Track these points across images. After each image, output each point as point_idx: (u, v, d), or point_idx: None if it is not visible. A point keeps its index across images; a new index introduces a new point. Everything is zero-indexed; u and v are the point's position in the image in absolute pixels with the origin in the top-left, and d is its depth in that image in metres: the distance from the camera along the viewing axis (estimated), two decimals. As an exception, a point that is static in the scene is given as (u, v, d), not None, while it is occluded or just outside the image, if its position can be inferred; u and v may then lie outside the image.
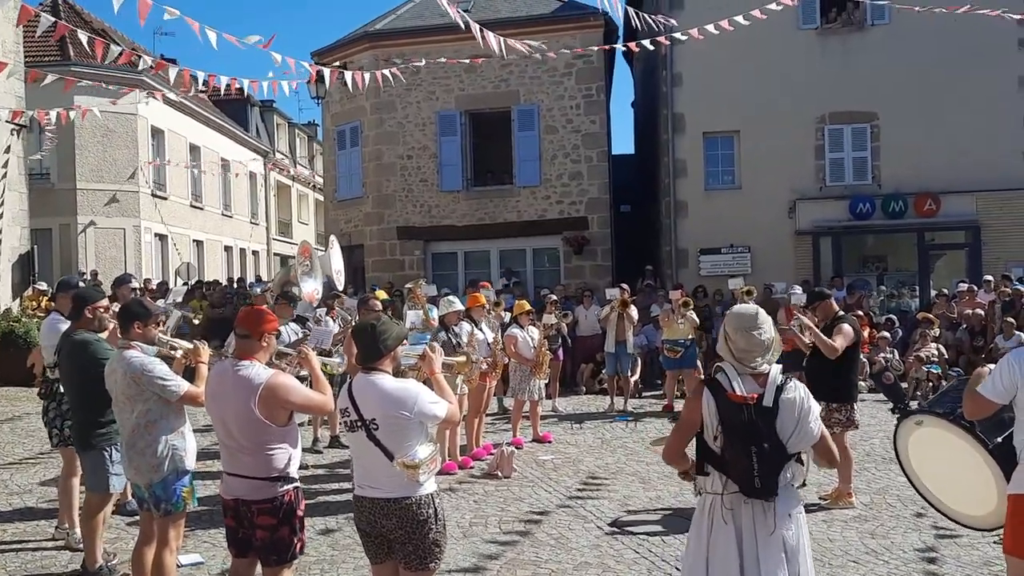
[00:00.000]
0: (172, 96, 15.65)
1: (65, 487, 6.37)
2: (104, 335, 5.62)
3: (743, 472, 3.41)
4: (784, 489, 3.48)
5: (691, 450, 3.78)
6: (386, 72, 9.30)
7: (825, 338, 7.17)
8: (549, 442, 10.10)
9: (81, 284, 6.82)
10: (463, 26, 7.91)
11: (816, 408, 3.57)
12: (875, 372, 6.50)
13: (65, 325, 5.97)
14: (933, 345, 13.53)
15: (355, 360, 4.19)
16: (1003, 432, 3.95)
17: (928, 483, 4.42)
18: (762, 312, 3.63)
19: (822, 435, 3.57)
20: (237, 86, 7.86)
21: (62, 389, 6.10)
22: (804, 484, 3.71)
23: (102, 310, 5.67)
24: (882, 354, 13.70)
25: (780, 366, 3.62)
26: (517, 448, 9.38)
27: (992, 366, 4.04)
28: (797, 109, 17.81)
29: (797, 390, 3.52)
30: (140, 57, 8.25)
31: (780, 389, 3.48)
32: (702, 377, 3.76)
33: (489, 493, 7.89)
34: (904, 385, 12.79)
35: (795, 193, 18.08)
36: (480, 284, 12.57)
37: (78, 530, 6.18)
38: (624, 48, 11.89)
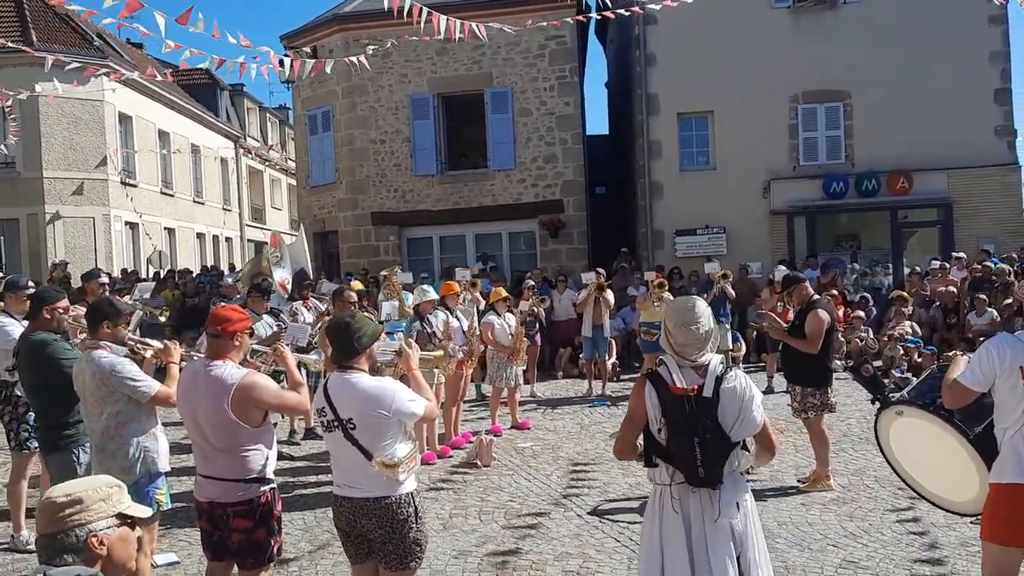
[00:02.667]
0: (138, 79, 15.35)
1: (13, 491, 6.29)
2: (76, 339, 5.51)
3: (687, 463, 3.46)
4: (729, 477, 3.51)
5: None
6: (352, 59, 9.11)
7: (799, 341, 7.19)
8: (528, 429, 10.08)
9: (31, 283, 6.65)
10: (406, 10, 7.53)
11: (759, 396, 3.59)
12: (854, 365, 6.38)
13: (13, 327, 5.87)
14: (907, 323, 13.64)
15: (330, 358, 4.12)
16: (983, 420, 3.96)
17: (911, 470, 4.43)
18: (700, 305, 3.65)
19: (764, 424, 3.59)
20: (205, 65, 7.68)
21: (19, 392, 6.01)
22: (750, 471, 3.71)
23: (61, 310, 5.54)
24: (857, 333, 13.80)
25: (720, 356, 3.65)
26: (496, 436, 9.35)
27: (970, 355, 4.05)
28: (771, 88, 17.80)
29: (738, 379, 3.55)
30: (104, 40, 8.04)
31: (720, 380, 3.51)
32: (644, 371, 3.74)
33: (468, 483, 7.86)
34: (878, 363, 12.90)
35: (769, 173, 18.12)
36: (456, 270, 12.49)
37: (24, 532, 6.13)
38: (598, 18, 11.70)
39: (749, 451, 3.64)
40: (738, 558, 3.51)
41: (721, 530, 3.50)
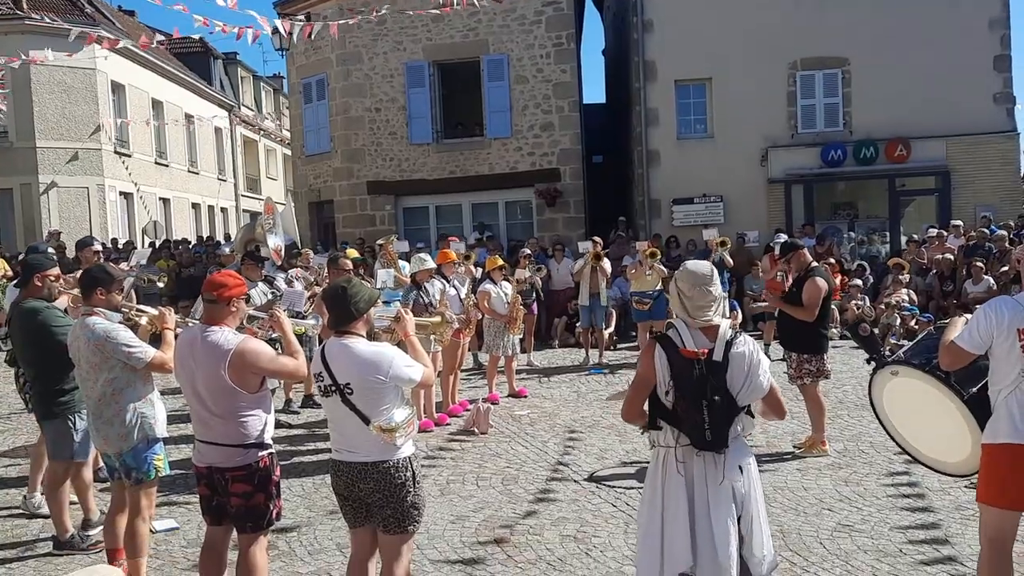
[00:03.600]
0: (131, 46, 15.17)
1: (38, 453, 6.26)
2: (62, 303, 5.49)
3: (694, 426, 3.48)
4: (734, 441, 3.55)
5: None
6: (341, 22, 8.97)
7: (796, 309, 7.19)
8: (525, 397, 10.10)
9: (51, 250, 6.65)
10: None
11: (766, 362, 3.63)
12: (851, 324, 6.40)
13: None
14: (904, 291, 13.65)
15: (327, 324, 4.10)
16: (978, 382, 3.96)
17: (903, 431, 4.44)
18: (714, 269, 3.72)
19: (771, 388, 3.63)
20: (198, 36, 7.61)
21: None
22: (750, 436, 3.74)
23: (52, 278, 5.52)
24: (854, 301, 13.82)
25: (729, 320, 3.69)
26: (493, 404, 9.37)
27: (967, 316, 4.04)
28: (769, 55, 17.66)
29: (747, 344, 3.59)
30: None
31: (730, 344, 3.55)
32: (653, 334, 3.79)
33: (466, 450, 7.88)
34: (875, 331, 12.94)
35: (767, 141, 18.03)
36: (448, 239, 12.42)
37: (38, 496, 6.13)
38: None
39: (754, 416, 3.67)
40: (739, 519, 3.54)
41: (724, 492, 3.54)
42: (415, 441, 4.06)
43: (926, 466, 4.53)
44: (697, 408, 3.45)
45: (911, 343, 4.62)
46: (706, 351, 3.50)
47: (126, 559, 4.76)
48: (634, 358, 12.42)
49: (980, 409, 3.92)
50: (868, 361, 4.51)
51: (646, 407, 3.68)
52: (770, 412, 3.73)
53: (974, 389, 3.98)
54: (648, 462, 7.15)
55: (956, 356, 3.83)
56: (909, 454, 4.54)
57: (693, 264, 3.76)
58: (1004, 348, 3.72)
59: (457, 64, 19.12)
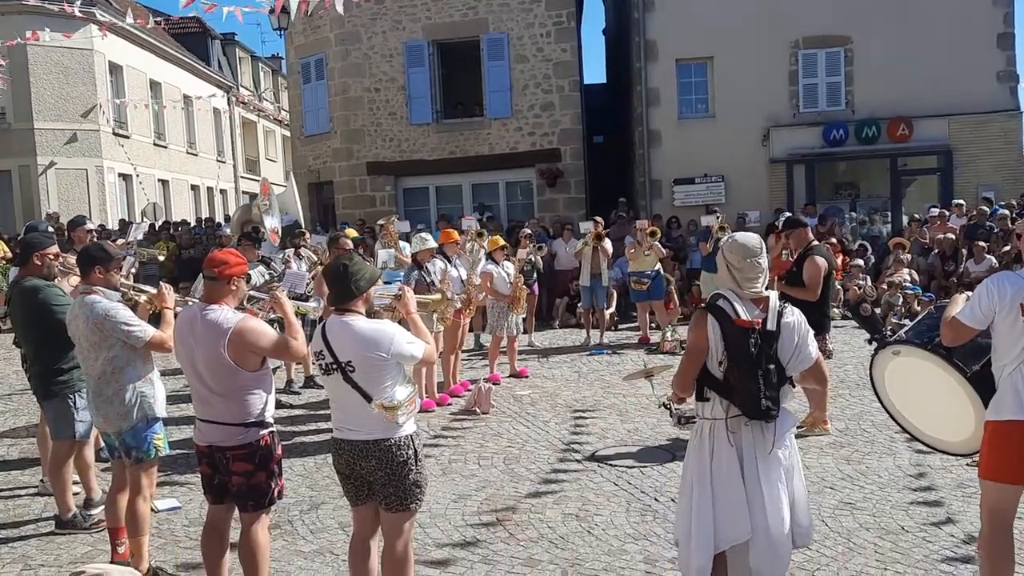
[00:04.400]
0: (127, 26, 15.07)
1: (43, 437, 6.24)
2: (63, 283, 5.45)
3: (749, 395, 3.51)
4: (783, 410, 3.61)
5: (644, 383, 3.76)
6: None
7: (798, 290, 7.10)
8: (526, 377, 10.09)
9: (50, 229, 6.60)
10: None
11: (811, 332, 3.70)
12: (853, 304, 6.46)
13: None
14: (905, 270, 13.61)
15: (327, 301, 4.08)
16: (980, 359, 3.93)
17: (905, 411, 4.42)
18: (763, 241, 3.77)
19: (818, 359, 3.71)
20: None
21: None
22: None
23: (51, 256, 5.48)
24: (855, 281, 13.79)
25: (777, 293, 3.77)
26: (495, 384, 9.36)
27: (968, 293, 4.01)
28: (770, 34, 17.53)
29: (795, 314, 3.67)
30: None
31: (780, 314, 3.61)
32: (699, 306, 3.79)
33: (467, 429, 7.88)
34: (877, 311, 12.92)
35: (769, 120, 17.93)
36: (461, 217, 12.29)
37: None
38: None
39: (794, 386, 3.72)
40: (786, 489, 3.62)
41: (773, 461, 3.60)
42: (416, 420, 4.04)
43: (928, 446, 4.51)
44: (752, 377, 3.49)
45: (912, 322, 4.58)
46: (759, 321, 3.54)
47: (127, 538, 4.75)
48: (635, 338, 12.42)
49: (983, 386, 3.89)
50: (869, 341, 4.49)
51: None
52: (813, 381, 3.81)
53: (977, 367, 3.95)
54: (649, 441, 7.17)
55: (958, 331, 3.80)
56: (911, 434, 4.52)
57: (742, 236, 3.78)
58: (1007, 323, 3.68)
59: (457, 43, 18.99)
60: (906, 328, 4.55)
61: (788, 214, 12.78)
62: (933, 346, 4.04)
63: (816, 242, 7.76)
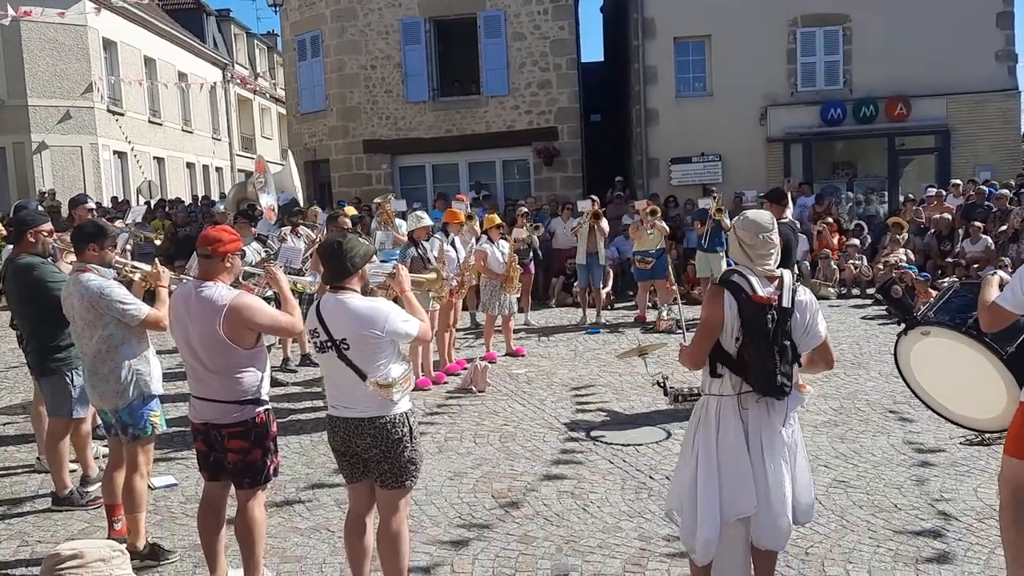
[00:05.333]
0: (121, 2, 14.95)
1: (38, 415, 6.24)
2: (61, 263, 5.44)
3: (765, 371, 3.52)
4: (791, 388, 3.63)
5: (639, 362, 3.77)
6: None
7: None
8: (522, 356, 10.10)
9: (40, 208, 6.58)
10: None
11: (820, 311, 3.72)
12: (881, 285, 6.36)
13: None
14: (901, 250, 13.62)
15: (322, 279, 4.07)
16: (1016, 339, 3.92)
17: (931, 390, 4.43)
18: (774, 218, 3.77)
19: (825, 338, 3.72)
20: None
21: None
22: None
23: (45, 234, 5.46)
24: (851, 260, 13.80)
25: (789, 271, 3.75)
26: (490, 363, 9.37)
27: (1002, 274, 4.00)
28: (769, 12, 17.45)
29: (807, 292, 3.70)
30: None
31: (794, 291, 3.62)
32: (714, 283, 3.82)
33: (463, 408, 7.89)
34: (871, 291, 12.93)
35: (766, 99, 17.88)
36: (456, 197, 12.25)
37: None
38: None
39: (800, 364, 3.72)
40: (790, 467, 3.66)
41: (779, 439, 3.63)
42: (412, 399, 4.05)
43: (954, 423, 4.52)
44: (769, 353, 3.49)
45: (936, 302, 4.56)
46: (775, 297, 3.55)
47: (124, 514, 4.77)
48: (631, 317, 12.43)
49: (1019, 367, 3.88)
50: (899, 322, 4.45)
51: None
52: (819, 360, 3.80)
53: (1012, 347, 3.94)
54: (644, 419, 7.20)
55: (997, 316, 3.73)
56: (935, 411, 4.52)
57: (754, 213, 3.77)
58: None
59: (453, 20, 18.88)
60: (931, 308, 4.53)
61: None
62: (967, 328, 4.03)
63: (785, 219, 7.80)
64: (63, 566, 2.11)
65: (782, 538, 3.71)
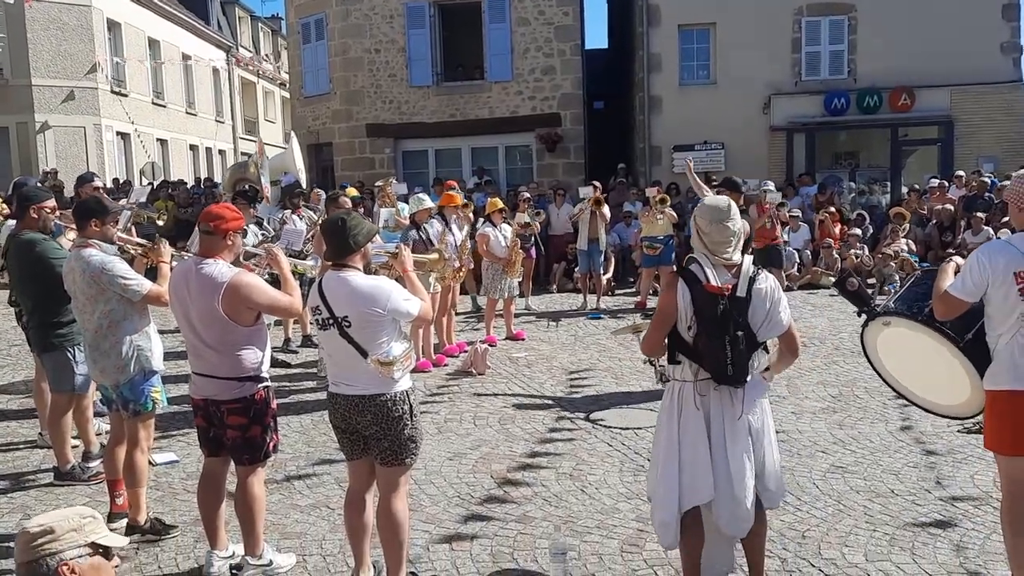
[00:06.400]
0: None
1: (40, 391, 6.27)
2: (64, 240, 5.45)
3: (716, 361, 3.51)
4: (751, 376, 3.60)
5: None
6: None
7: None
8: (523, 339, 10.13)
9: (39, 185, 6.59)
10: None
11: (785, 299, 3.67)
12: (838, 279, 6.32)
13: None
14: (903, 241, 13.62)
15: (324, 257, 4.08)
16: (973, 326, 3.88)
17: (900, 378, 4.42)
18: (732, 203, 3.70)
19: (790, 326, 3.68)
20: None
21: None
22: (767, 370, 3.80)
23: (48, 210, 5.47)
24: (852, 250, 13.80)
25: (751, 257, 3.70)
26: (491, 346, 9.40)
27: (958, 259, 3.96)
28: (774, 0, 17.37)
29: (767, 281, 3.63)
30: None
31: (752, 280, 3.57)
32: (674, 269, 3.88)
33: (463, 390, 7.92)
34: (871, 281, 12.93)
35: (770, 88, 17.83)
36: (447, 183, 12.25)
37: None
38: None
39: (768, 351, 3.71)
40: (753, 454, 3.64)
41: (740, 427, 3.62)
42: (412, 378, 4.07)
43: (926, 410, 4.51)
44: (720, 343, 3.48)
45: (899, 291, 4.55)
46: (730, 287, 3.52)
47: (125, 489, 4.80)
48: (631, 303, 12.45)
49: (977, 354, 3.86)
50: (859, 314, 4.45)
51: (666, 342, 3.71)
52: (784, 350, 3.76)
53: (969, 335, 3.91)
54: (643, 403, 7.22)
55: (950, 305, 3.70)
56: (908, 399, 4.53)
57: (711, 199, 3.75)
58: (1000, 293, 3.58)
59: (458, 5, 18.82)
60: (894, 297, 4.53)
61: (771, 184, 12.69)
62: (924, 317, 4.00)
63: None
64: (37, 543, 2.11)
65: (741, 525, 3.70)
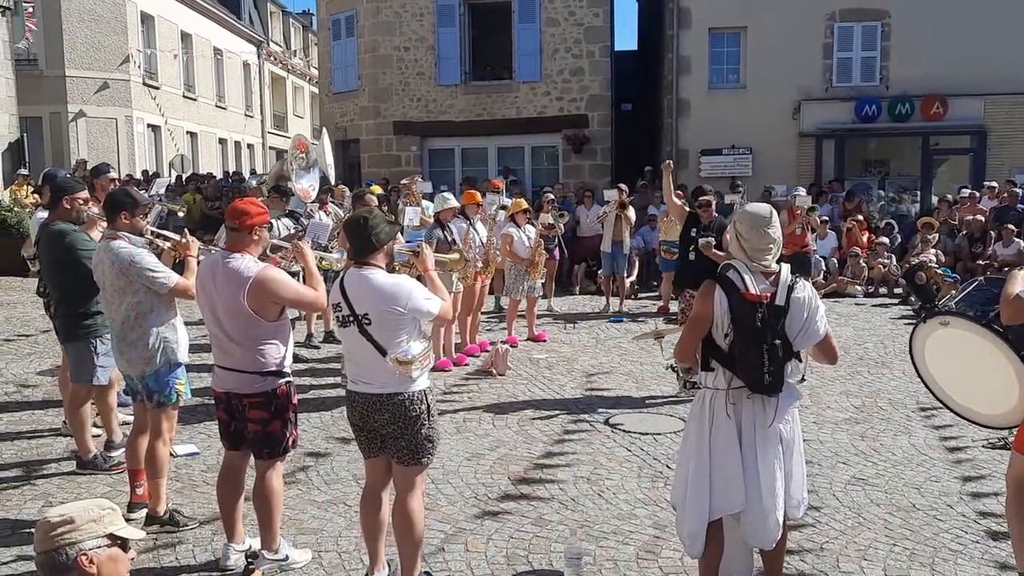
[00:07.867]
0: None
1: (64, 380, 6.33)
2: (93, 231, 5.50)
3: (753, 369, 3.50)
4: (785, 386, 3.58)
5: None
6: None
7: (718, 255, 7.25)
8: (544, 341, 10.12)
9: (67, 175, 6.65)
10: None
11: (822, 307, 3.66)
12: (907, 270, 6.28)
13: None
14: (931, 251, 13.45)
15: (347, 254, 4.09)
16: None
17: (942, 382, 4.38)
18: (774, 211, 3.70)
19: (827, 334, 3.67)
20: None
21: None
22: (803, 379, 3.78)
23: (81, 201, 5.53)
24: (880, 259, 13.66)
25: (788, 266, 3.68)
26: (512, 347, 9.39)
27: None
28: (806, 5, 17.26)
29: (805, 290, 3.61)
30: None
31: (791, 288, 3.56)
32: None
33: (483, 390, 7.93)
34: (898, 290, 12.80)
35: (801, 93, 17.69)
36: (492, 183, 12.19)
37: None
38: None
39: (801, 361, 3.69)
40: (783, 464, 3.64)
41: (772, 436, 3.61)
42: (432, 378, 4.07)
43: (959, 415, 4.46)
44: (758, 352, 3.47)
45: (959, 293, 4.52)
46: (768, 295, 3.50)
47: (147, 479, 4.85)
48: (654, 307, 12.40)
49: None
50: (919, 310, 4.41)
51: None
52: (822, 357, 3.75)
53: None
54: (663, 409, 7.19)
55: (1019, 311, 3.69)
56: (942, 402, 4.47)
57: (752, 206, 3.73)
58: None
59: (488, 4, 18.84)
60: (954, 299, 4.49)
61: (802, 190, 12.60)
62: (988, 321, 3.98)
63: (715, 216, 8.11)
64: (56, 532, 2.15)
65: (769, 537, 3.69)
